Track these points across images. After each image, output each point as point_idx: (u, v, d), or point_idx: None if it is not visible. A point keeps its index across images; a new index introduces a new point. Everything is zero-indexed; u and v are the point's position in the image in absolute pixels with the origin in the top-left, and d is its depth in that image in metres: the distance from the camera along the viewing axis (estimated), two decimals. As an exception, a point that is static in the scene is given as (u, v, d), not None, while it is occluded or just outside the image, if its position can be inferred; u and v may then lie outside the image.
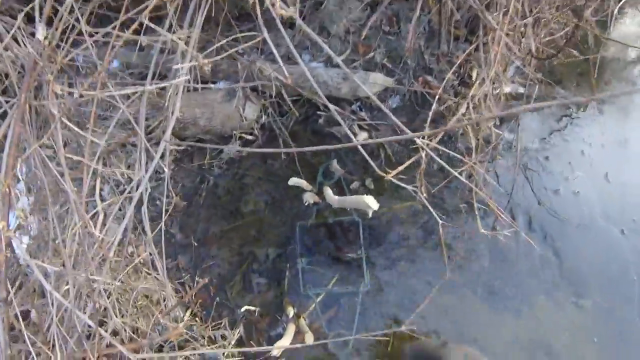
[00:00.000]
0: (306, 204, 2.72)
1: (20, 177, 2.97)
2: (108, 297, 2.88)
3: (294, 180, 2.75)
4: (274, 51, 1.89)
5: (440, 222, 2.03)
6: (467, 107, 2.42)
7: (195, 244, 2.93)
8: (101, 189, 3.20)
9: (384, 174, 1.83)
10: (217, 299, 2.79)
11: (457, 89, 3.10)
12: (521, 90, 3.16)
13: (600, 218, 3.10)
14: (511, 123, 3.24)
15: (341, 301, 2.75)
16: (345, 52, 3.01)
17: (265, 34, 1.96)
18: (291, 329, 2.58)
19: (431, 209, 2.06)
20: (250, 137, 3.02)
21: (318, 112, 2.98)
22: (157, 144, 3.13)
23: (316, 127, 3.00)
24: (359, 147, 1.91)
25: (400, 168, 1.97)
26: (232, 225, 2.92)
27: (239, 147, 2.97)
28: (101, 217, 3.14)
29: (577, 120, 3.36)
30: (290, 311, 2.64)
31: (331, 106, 1.90)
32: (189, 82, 2.59)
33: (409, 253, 2.82)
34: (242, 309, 2.67)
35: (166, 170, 2.32)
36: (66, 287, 2.80)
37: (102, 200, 3.18)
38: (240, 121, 2.96)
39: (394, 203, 2.92)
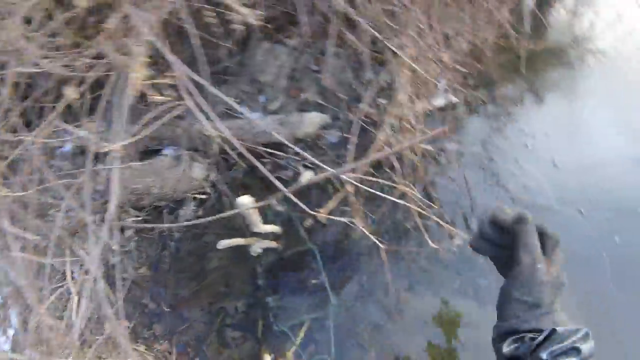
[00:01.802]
0: (256, 255, 2.74)
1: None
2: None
3: (223, 244, 2.73)
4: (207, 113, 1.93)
5: (382, 246, 2.06)
6: (387, 132, 2.46)
7: (168, 309, 2.94)
8: (72, 272, 3.22)
9: (315, 214, 1.87)
10: (197, 359, 2.79)
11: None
12: (455, 99, 3.22)
13: (556, 204, 3.14)
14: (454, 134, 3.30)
15: (316, 335, 2.76)
16: (278, 100, 3.07)
17: (189, 102, 2.02)
18: (268, 377, 2.58)
19: (370, 236, 2.09)
20: (203, 196, 3.06)
21: (263, 160, 3.02)
22: (119, 219, 3.18)
23: (263, 174, 3.04)
24: (288, 194, 1.95)
25: (330, 207, 2.01)
26: (200, 285, 2.94)
27: (187, 221, 3.00)
28: (75, 299, 3.16)
29: (515, 116, 3.43)
30: (267, 358, 2.64)
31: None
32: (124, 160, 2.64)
33: (367, 269, 2.85)
34: (219, 368, 2.67)
35: (114, 247, 2.34)
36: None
37: (75, 281, 3.20)
38: (190, 183, 3.01)
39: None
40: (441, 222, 2.55)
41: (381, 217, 2.90)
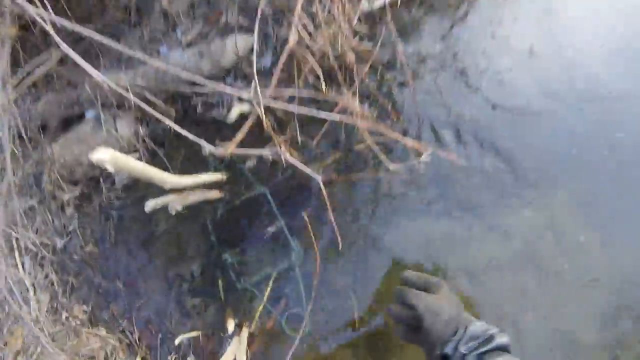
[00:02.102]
0: (173, 212, 2.36)
1: None
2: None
3: (150, 205, 2.31)
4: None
5: (319, 177, 1.69)
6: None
7: (122, 286, 2.64)
8: (23, 263, 2.94)
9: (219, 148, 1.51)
10: (160, 335, 2.52)
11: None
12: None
13: (542, 98, 2.68)
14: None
15: (285, 288, 2.44)
16: (195, 28, 2.64)
17: (65, 48, 1.63)
18: (234, 343, 2.27)
19: (302, 167, 1.72)
20: (136, 155, 2.69)
21: (192, 102, 2.63)
22: (54, 198, 2.86)
23: (197, 117, 2.65)
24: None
25: (237, 139, 1.63)
26: (151, 252, 2.62)
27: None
28: (31, 292, 2.90)
29: (476, 3, 2.91)
30: (231, 323, 2.34)
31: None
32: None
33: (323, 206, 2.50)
34: (177, 340, 2.37)
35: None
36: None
37: (26, 273, 2.94)
38: (118, 143, 2.64)
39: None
40: (402, 138, 2.15)
41: (328, 144, 2.51)
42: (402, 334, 1.27)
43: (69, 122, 2.94)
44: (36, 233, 2.92)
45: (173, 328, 2.52)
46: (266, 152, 1.72)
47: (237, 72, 2.65)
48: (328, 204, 1.75)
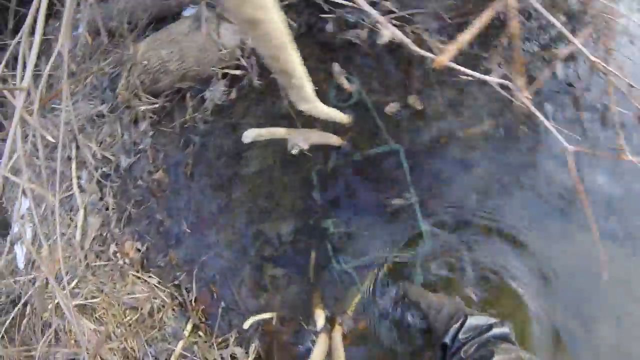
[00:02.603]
0: (294, 151, 1.73)
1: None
2: (91, 315, 2.16)
3: (251, 135, 1.65)
4: None
5: (568, 146, 1.03)
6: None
7: (189, 230, 2.09)
8: (79, 177, 2.46)
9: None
10: (223, 303, 1.96)
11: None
12: None
13: None
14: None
15: (394, 284, 1.78)
16: None
17: None
18: (322, 342, 1.66)
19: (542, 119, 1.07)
20: (237, 72, 2.11)
21: (322, 16, 1.99)
22: (128, 107, 2.33)
23: (324, 37, 2.01)
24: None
25: (467, 37, 0.97)
26: (231, 198, 2.04)
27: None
28: (81, 212, 2.42)
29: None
30: (320, 316, 1.73)
31: None
32: None
33: (481, 188, 1.80)
34: (248, 323, 1.79)
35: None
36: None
37: (81, 189, 2.46)
38: (218, 52, 2.05)
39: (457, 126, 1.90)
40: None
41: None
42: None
43: (162, 21, 2.40)
44: (99, 145, 2.42)
45: (241, 299, 1.95)
46: (496, 80, 1.06)
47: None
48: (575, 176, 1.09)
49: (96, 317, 2.14)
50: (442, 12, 1.89)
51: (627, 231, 1.70)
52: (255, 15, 0.76)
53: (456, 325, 1.28)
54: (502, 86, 1.12)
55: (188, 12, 2.23)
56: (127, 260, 2.22)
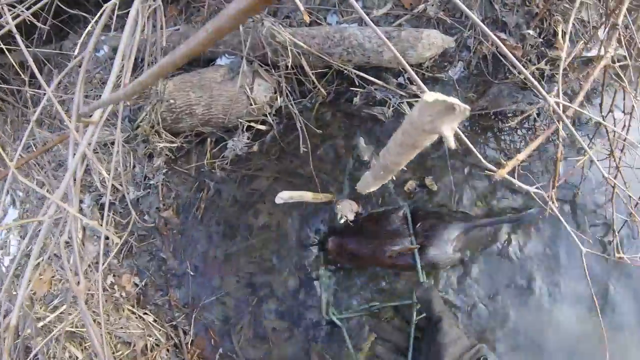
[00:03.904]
0: (342, 220, 1.86)
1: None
2: (80, 344, 2.14)
3: (284, 196, 1.77)
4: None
5: (584, 250, 1.16)
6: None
7: (192, 273, 2.14)
8: (81, 201, 2.47)
9: (491, 171, 1.00)
10: (221, 349, 2.00)
11: (540, 51, 2.20)
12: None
13: None
14: None
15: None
16: (386, 6, 2.16)
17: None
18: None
19: (570, 230, 1.20)
20: (262, 127, 2.22)
21: (352, 89, 2.14)
22: (145, 141, 2.38)
23: (350, 108, 2.15)
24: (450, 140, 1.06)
25: (523, 156, 1.11)
26: (240, 246, 2.11)
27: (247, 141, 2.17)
28: (79, 235, 2.42)
29: None
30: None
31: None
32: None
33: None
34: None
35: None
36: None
37: (82, 213, 2.46)
38: (247, 105, 2.16)
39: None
40: None
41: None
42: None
43: (189, 63, 2.48)
44: (108, 173, 2.44)
45: (240, 348, 2.00)
46: (533, 189, 1.19)
47: (416, 73, 2.15)
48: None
49: (85, 347, 2.13)
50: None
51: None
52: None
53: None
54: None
55: (223, 61, 2.32)
56: (123, 294, 2.23)
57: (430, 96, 0.60)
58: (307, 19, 1.32)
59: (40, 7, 1.67)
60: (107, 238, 2.37)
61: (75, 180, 1.42)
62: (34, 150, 2.80)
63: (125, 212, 2.37)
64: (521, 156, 1.12)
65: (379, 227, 1.93)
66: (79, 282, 1.44)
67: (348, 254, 1.92)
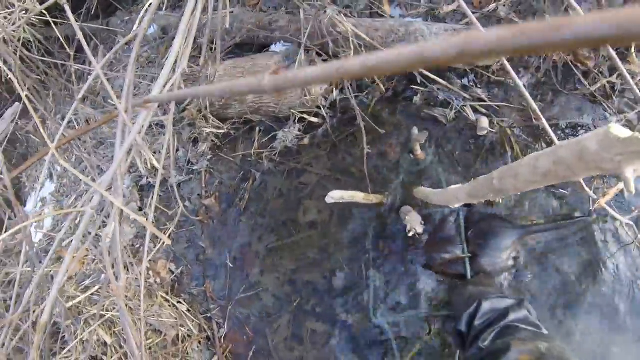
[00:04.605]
0: (410, 233, 1.77)
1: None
2: (109, 328, 2.09)
3: (335, 196, 1.66)
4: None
5: None
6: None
7: (231, 264, 2.07)
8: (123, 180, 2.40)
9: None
10: (254, 346, 1.91)
11: (612, 63, 2.07)
12: None
13: None
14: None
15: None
16: (454, 2, 2.06)
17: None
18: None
19: None
20: (315, 120, 2.14)
21: (413, 87, 2.04)
22: (191, 125, 2.32)
23: (409, 108, 2.05)
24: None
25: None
26: (284, 241, 2.03)
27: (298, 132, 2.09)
28: (117, 217, 2.37)
29: None
30: None
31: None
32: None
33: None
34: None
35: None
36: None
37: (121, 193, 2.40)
38: (301, 96, 2.08)
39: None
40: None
41: None
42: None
43: (240, 47, 2.41)
44: (153, 154, 2.39)
45: (274, 347, 1.92)
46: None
47: (478, 74, 2.05)
48: None
49: (114, 332, 2.07)
50: (530, 111, 1.96)
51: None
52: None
53: (469, 311, 1.24)
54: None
55: (277, 47, 2.25)
56: (158, 280, 2.17)
57: (620, 130, 0.50)
58: (387, 9, 1.23)
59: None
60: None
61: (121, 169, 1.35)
62: (76, 126, 2.77)
63: (165, 195, 2.32)
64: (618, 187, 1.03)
65: (433, 233, 1.85)
66: (117, 278, 1.36)
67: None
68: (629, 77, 1.01)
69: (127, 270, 2.26)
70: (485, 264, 1.77)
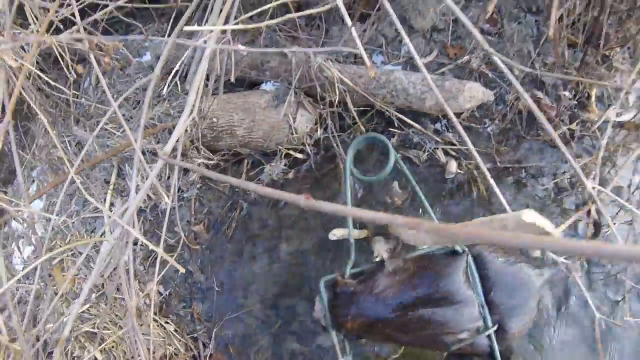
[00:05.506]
0: (377, 258, 1.95)
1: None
2: (99, 344, 2.22)
3: (338, 233, 1.85)
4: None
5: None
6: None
7: (218, 288, 2.22)
8: (112, 204, 2.56)
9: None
10: (238, 366, 2.07)
11: (573, 112, 2.31)
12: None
13: None
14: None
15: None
16: (432, 54, 2.28)
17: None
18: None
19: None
20: (300, 156, 2.32)
21: (390, 129, 2.24)
22: (183, 155, 2.48)
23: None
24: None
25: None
26: (268, 268, 2.20)
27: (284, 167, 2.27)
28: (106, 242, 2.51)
29: None
30: None
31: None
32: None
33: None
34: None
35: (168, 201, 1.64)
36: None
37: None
38: (288, 134, 2.26)
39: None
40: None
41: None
42: None
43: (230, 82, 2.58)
44: (169, 198, 2.54)
45: (257, 367, 2.08)
46: None
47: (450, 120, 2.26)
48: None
49: (104, 349, 2.20)
50: (495, 155, 2.18)
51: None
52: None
53: None
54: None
55: (268, 86, 2.43)
56: (146, 301, 2.31)
57: (529, 216, 0.69)
58: (372, 74, 1.42)
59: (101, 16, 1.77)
60: (135, 243, 2.46)
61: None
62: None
63: (154, 220, 2.46)
64: (561, 228, 1.23)
65: (431, 285, 1.49)
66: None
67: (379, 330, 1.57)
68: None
69: (118, 290, 2.40)
70: (516, 330, 1.48)
